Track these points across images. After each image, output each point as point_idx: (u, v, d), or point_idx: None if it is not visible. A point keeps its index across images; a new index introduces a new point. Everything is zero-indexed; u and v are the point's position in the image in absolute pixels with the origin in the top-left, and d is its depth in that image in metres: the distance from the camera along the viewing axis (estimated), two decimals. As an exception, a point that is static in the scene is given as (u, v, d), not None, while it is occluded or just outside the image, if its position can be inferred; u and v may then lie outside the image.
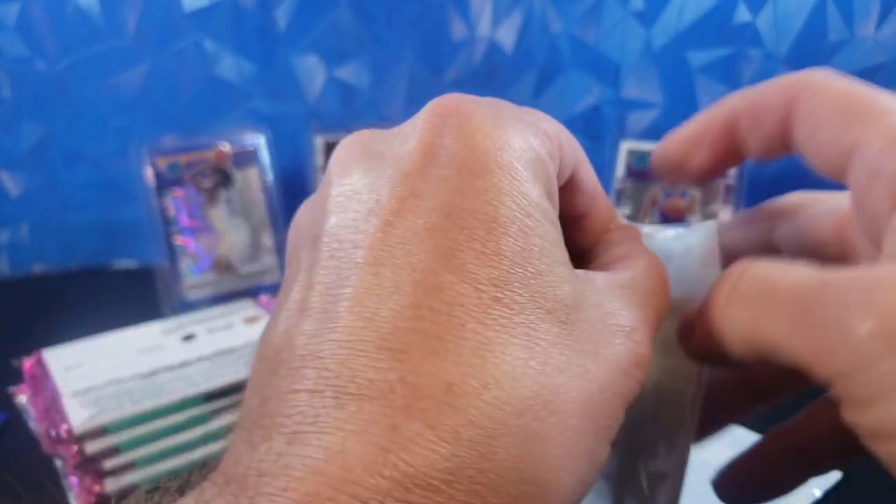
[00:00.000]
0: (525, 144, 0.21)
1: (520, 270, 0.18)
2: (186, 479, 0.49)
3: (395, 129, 0.22)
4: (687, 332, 0.23)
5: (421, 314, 0.17)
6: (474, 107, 0.21)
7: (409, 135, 0.21)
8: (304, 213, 0.22)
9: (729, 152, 0.26)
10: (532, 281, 0.18)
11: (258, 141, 0.79)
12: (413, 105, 0.86)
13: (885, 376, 0.16)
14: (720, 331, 0.20)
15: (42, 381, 0.53)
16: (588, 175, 0.24)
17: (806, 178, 0.80)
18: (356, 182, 0.20)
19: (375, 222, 0.18)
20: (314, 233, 0.20)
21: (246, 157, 0.79)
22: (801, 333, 0.18)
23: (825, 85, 0.22)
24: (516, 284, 0.18)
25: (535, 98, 0.84)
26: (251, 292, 0.75)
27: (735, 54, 0.78)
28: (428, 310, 0.17)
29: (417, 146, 0.20)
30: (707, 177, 0.27)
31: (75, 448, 0.47)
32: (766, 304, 0.19)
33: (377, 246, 0.18)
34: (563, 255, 0.20)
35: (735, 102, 0.25)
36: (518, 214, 0.19)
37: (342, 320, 0.17)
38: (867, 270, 0.18)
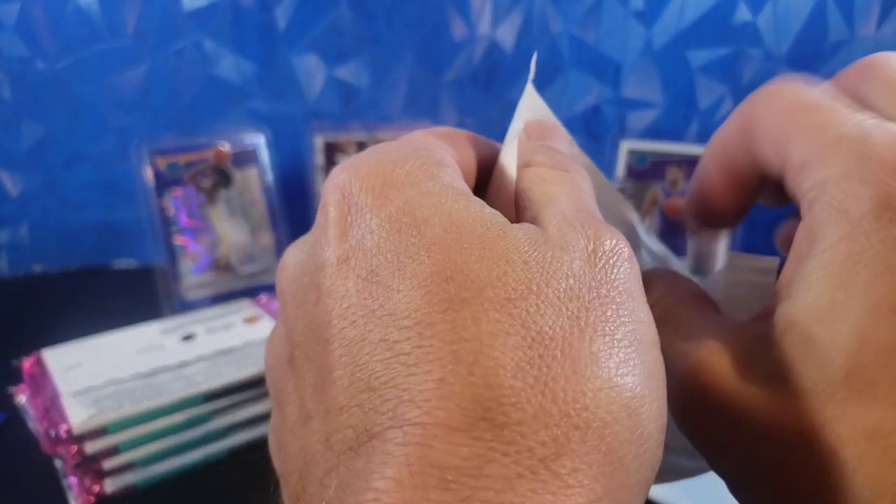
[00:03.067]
0: (418, 163, 0.20)
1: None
2: None
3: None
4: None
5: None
6: (360, 168, 0.20)
7: (321, 225, 0.20)
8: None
9: (744, 184, 0.25)
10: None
11: (258, 140, 0.79)
12: (413, 105, 0.86)
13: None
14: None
15: (42, 381, 0.53)
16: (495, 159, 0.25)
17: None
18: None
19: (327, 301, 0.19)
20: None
21: (245, 157, 0.79)
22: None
23: (769, 103, 0.22)
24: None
25: (535, 98, 0.84)
26: (250, 292, 0.75)
27: (735, 54, 0.78)
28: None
29: (331, 225, 0.20)
30: (740, 215, 0.26)
31: (75, 448, 0.47)
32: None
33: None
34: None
35: (737, 122, 0.24)
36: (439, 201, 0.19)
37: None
38: None
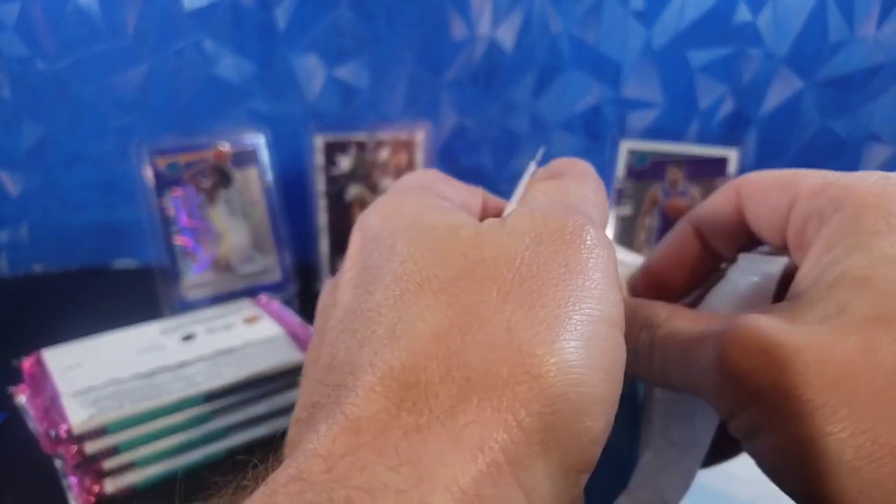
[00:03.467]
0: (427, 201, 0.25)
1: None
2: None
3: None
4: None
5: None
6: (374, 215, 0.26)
7: (346, 256, 0.26)
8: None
9: (701, 262, 0.31)
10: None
11: (258, 141, 0.79)
12: (413, 104, 0.86)
13: (728, 400, 0.22)
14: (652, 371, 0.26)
15: (41, 381, 0.53)
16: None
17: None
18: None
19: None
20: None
21: (245, 157, 0.79)
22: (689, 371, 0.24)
23: (762, 174, 0.27)
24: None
25: (535, 98, 0.84)
26: (251, 292, 0.75)
27: (735, 54, 0.78)
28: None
29: (349, 256, 0.25)
30: (688, 291, 0.31)
31: (75, 448, 0.47)
32: (669, 361, 0.25)
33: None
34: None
35: (692, 216, 0.30)
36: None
37: None
38: (725, 323, 0.23)
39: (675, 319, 0.25)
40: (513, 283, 0.19)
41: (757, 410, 0.21)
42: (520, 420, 0.17)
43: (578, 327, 0.18)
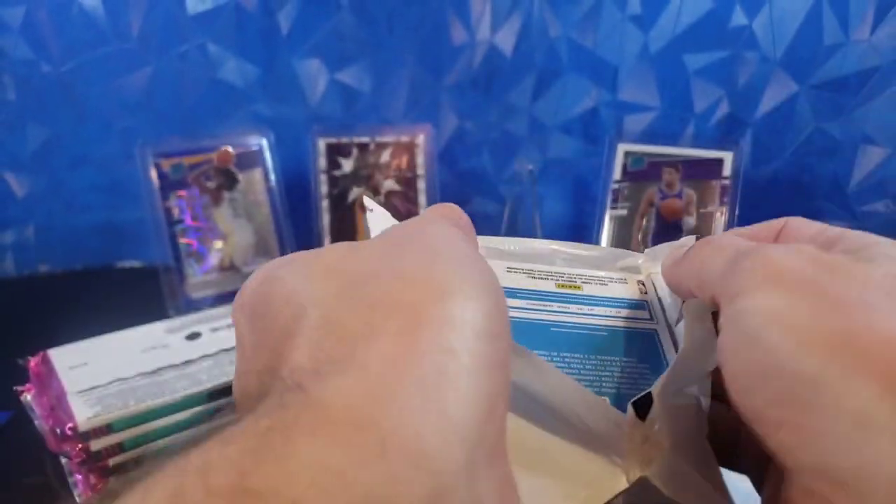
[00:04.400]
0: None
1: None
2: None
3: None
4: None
5: None
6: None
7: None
8: None
9: None
10: None
11: (261, 143, 0.80)
12: (413, 108, 0.87)
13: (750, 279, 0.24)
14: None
15: (47, 380, 0.54)
16: None
17: (799, 180, 0.82)
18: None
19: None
20: None
21: (249, 159, 0.80)
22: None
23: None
24: None
25: (534, 101, 0.85)
26: (254, 292, 0.75)
27: (731, 57, 0.79)
28: None
29: None
30: None
31: (80, 445, 0.48)
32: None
33: None
34: None
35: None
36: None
37: None
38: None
39: None
40: (386, 254, 0.23)
41: None
42: (420, 313, 0.20)
43: (442, 252, 0.23)
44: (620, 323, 0.35)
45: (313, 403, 0.17)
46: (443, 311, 0.20)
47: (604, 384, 0.32)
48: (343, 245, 0.25)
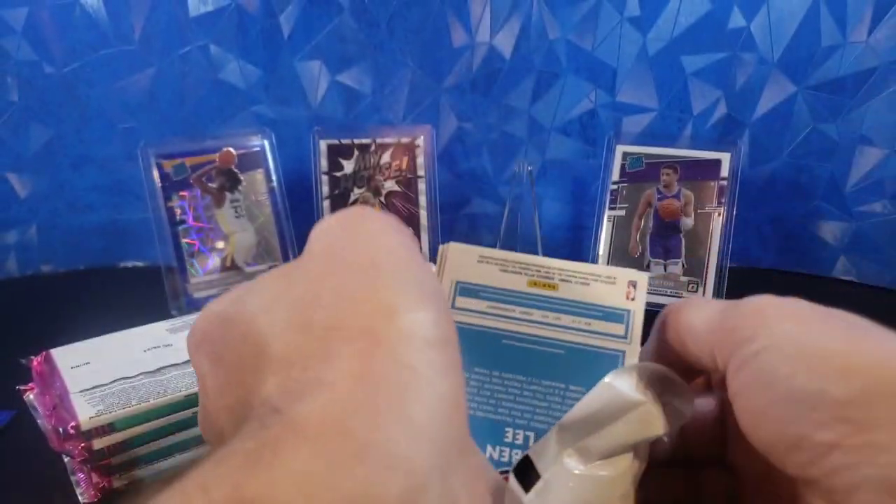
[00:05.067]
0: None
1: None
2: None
3: None
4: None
5: None
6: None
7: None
8: None
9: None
10: None
11: (263, 143, 0.80)
12: (414, 109, 0.87)
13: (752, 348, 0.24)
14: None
15: (50, 379, 0.54)
16: None
17: (797, 180, 0.83)
18: None
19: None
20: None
21: (251, 160, 0.80)
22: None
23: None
24: None
25: (533, 102, 0.85)
26: (255, 292, 0.75)
27: (729, 59, 0.79)
28: None
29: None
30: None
31: (82, 444, 0.48)
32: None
33: None
34: None
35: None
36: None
37: None
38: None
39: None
40: (317, 274, 0.23)
41: None
42: (371, 330, 0.21)
43: (377, 265, 0.23)
44: (585, 338, 0.31)
45: (292, 421, 0.19)
46: (393, 329, 0.21)
47: (536, 415, 0.30)
48: (280, 270, 0.25)
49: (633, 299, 0.32)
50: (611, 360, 0.31)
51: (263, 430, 0.19)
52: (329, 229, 0.25)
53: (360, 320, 0.21)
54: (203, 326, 0.26)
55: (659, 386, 0.27)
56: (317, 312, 0.22)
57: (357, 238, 0.24)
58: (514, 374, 0.30)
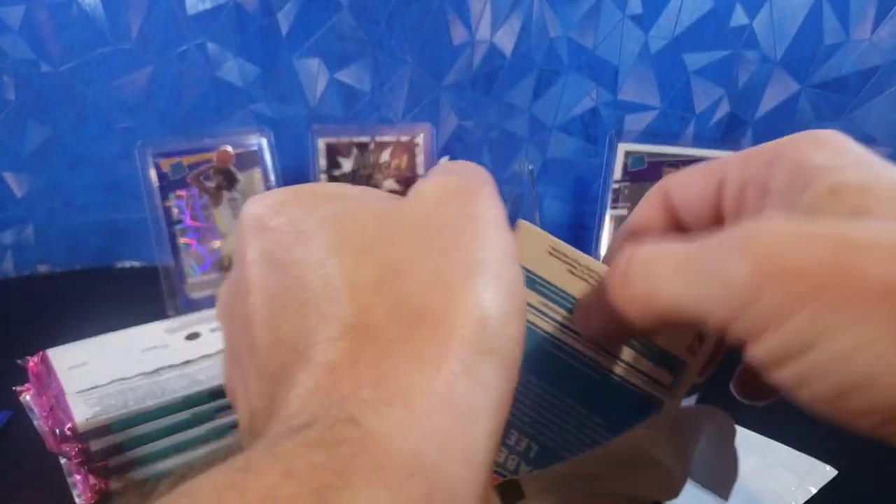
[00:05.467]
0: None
1: None
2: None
3: None
4: (585, 317, 0.28)
5: None
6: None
7: None
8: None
9: (667, 224, 0.31)
10: None
11: (261, 142, 0.80)
12: (413, 107, 0.87)
13: (767, 307, 0.19)
14: (621, 308, 0.24)
15: (46, 380, 0.53)
16: None
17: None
18: None
19: None
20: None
21: (249, 159, 0.80)
22: (691, 290, 0.22)
23: (684, 170, 0.30)
24: None
25: (534, 100, 0.85)
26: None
27: (732, 57, 0.78)
28: None
29: None
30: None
31: (79, 446, 0.48)
32: (658, 274, 0.23)
33: None
34: None
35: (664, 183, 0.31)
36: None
37: None
38: (735, 227, 0.21)
39: (661, 241, 0.24)
40: (427, 237, 0.22)
41: (817, 309, 0.19)
42: (463, 338, 0.20)
43: (489, 263, 0.21)
44: (628, 373, 0.29)
45: (368, 442, 0.18)
46: (477, 337, 0.20)
47: (546, 429, 0.29)
48: (376, 202, 0.24)
49: (694, 353, 0.29)
50: (646, 406, 0.29)
51: (337, 447, 0.18)
52: (452, 190, 0.23)
53: (445, 305, 0.20)
54: (271, 207, 0.23)
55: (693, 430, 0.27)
56: (404, 278, 0.21)
57: (474, 220, 0.22)
58: (542, 381, 0.29)
